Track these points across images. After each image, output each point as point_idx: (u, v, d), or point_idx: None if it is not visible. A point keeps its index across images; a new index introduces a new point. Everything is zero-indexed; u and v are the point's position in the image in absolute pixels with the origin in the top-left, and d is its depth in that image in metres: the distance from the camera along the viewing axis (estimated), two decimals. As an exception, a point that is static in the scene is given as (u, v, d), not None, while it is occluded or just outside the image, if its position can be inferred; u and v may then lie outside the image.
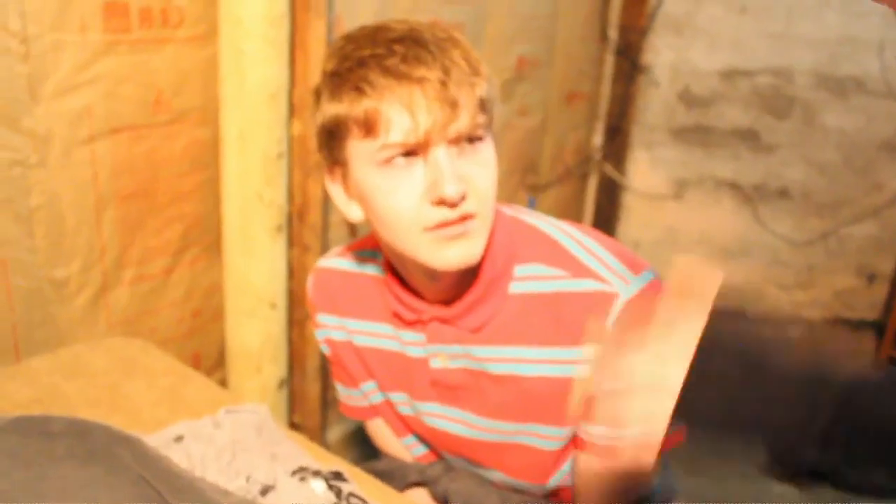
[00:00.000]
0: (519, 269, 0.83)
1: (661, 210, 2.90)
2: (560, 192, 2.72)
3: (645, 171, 2.87)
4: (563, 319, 0.80)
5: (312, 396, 1.63)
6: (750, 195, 2.83)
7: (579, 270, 0.81)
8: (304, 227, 1.46)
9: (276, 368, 1.50)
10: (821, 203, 2.83)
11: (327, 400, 1.84)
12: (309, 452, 0.90)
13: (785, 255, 2.91)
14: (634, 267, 0.81)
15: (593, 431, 0.83)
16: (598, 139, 2.85)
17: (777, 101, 2.74)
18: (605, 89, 2.80)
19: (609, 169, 2.83)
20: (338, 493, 0.82)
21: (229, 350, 1.49)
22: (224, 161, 1.38)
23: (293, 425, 1.64)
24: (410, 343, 0.89)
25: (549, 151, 2.59)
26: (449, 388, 0.89)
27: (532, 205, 2.53)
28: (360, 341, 0.95)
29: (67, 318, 1.26)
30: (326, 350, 1.00)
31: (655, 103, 2.79)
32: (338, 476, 0.84)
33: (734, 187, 2.85)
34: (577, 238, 0.84)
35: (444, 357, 0.87)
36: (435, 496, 0.99)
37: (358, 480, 0.86)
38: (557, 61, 2.48)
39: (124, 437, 0.70)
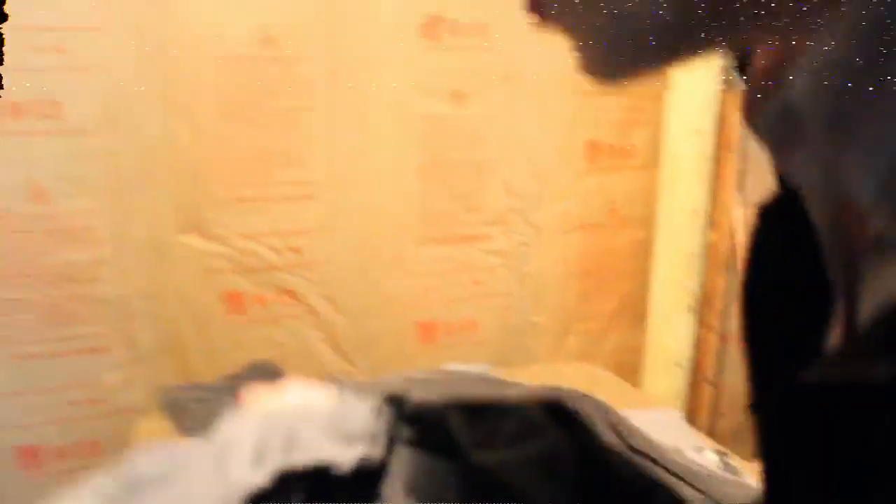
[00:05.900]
0: None
1: None
2: None
3: None
4: None
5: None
6: None
7: None
8: (710, 311, 1.86)
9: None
10: None
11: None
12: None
13: None
14: None
15: None
16: None
17: None
18: None
19: None
20: (725, 464, 1.18)
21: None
22: (655, 255, 1.87)
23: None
24: None
25: None
26: None
27: None
28: None
29: (537, 351, 1.84)
30: None
31: None
32: (724, 454, 1.20)
33: None
34: None
35: None
36: None
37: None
38: None
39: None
